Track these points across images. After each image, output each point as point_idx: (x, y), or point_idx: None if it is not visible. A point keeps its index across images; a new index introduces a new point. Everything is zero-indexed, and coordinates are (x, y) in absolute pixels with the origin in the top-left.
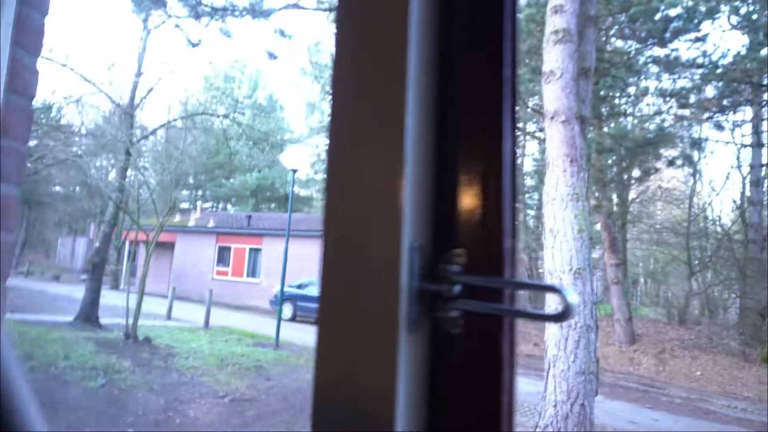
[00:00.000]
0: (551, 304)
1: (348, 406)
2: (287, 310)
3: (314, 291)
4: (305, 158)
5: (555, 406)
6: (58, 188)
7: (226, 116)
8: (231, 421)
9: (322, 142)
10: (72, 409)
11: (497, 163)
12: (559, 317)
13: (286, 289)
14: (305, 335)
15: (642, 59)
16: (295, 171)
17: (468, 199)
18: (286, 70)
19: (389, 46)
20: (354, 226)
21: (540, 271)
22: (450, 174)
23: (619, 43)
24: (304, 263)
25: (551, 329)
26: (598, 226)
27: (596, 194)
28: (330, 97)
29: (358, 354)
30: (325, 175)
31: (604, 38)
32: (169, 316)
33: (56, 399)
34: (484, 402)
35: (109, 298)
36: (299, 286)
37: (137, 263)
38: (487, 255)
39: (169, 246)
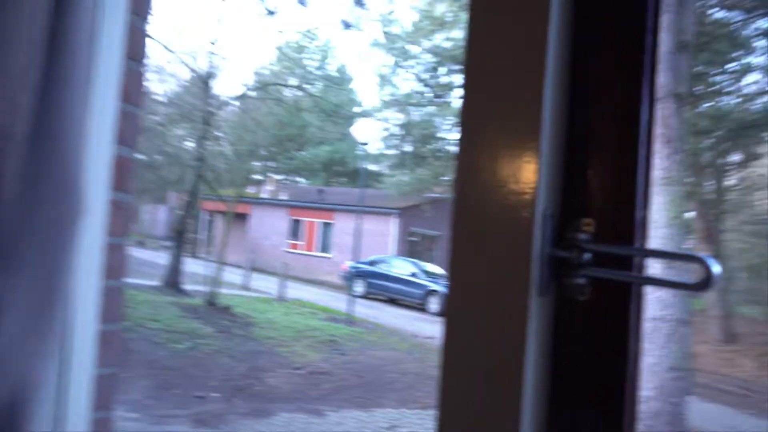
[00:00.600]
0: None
1: (477, 367)
2: (359, 287)
3: (386, 268)
4: (377, 132)
5: (643, 401)
6: (141, 156)
7: (298, 87)
8: (308, 392)
9: (394, 116)
10: (163, 368)
11: (633, 132)
12: (700, 286)
13: (357, 265)
14: (377, 312)
15: (747, 32)
16: (366, 145)
17: (600, 168)
18: (356, 41)
19: (530, 9)
20: (487, 193)
21: None
22: (583, 142)
23: (722, 14)
24: (375, 239)
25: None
26: (691, 214)
27: (691, 179)
28: (463, 62)
29: (489, 316)
30: (458, 141)
31: (704, 9)
32: (245, 286)
33: (149, 358)
34: (608, 369)
35: (188, 265)
36: (371, 263)
37: (214, 233)
38: (618, 225)
39: (243, 217)
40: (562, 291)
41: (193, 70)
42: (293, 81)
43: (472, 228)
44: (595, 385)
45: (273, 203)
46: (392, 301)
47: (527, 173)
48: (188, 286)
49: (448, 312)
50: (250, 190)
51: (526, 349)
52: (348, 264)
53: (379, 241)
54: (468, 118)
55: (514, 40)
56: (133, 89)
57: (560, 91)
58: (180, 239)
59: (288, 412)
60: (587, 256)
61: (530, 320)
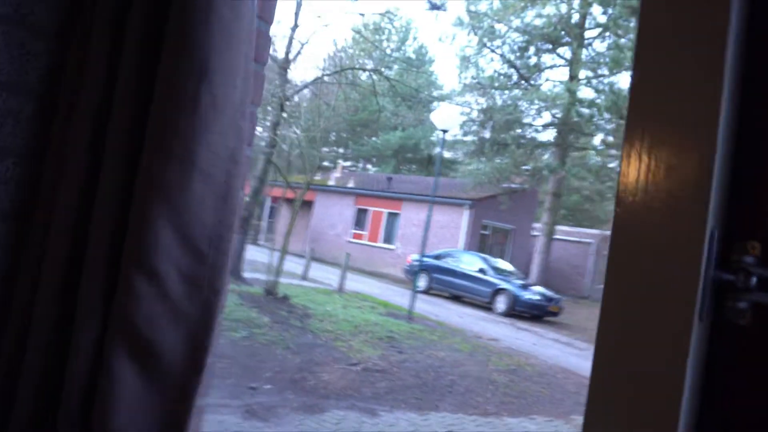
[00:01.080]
0: None
1: (629, 395)
2: (422, 281)
3: (453, 263)
4: (455, 117)
5: None
6: None
7: (375, 71)
8: (362, 390)
9: (476, 100)
10: (218, 357)
11: None
12: None
13: (423, 258)
14: (439, 309)
15: None
16: (445, 131)
17: None
18: (438, 21)
19: (709, 27)
20: (653, 208)
21: None
22: (753, 159)
23: None
24: (443, 232)
25: None
26: None
27: None
28: (632, 65)
29: (645, 339)
30: (623, 150)
31: None
32: (305, 277)
33: None
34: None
35: (250, 252)
36: (437, 257)
37: (276, 220)
38: None
39: (308, 204)
40: (720, 314)
41: (270, 56)
42: (370, 64)
43: (634, 243)
44: (749, 412)
45: (339, 191)
46: (456, 299)
47: (699, 188)
48: (248, 274)
49: (601, 331)
50: (317, 177)
51: (685, 379)
52: (412, 257)
53: (448, 234)
54: (635, 127)
55: (690, 50)
56: (257, 92)
57: (734, 106)
58: (244, 226)
59: (340, 409)
60: (753, 280)
61: (692, 344)
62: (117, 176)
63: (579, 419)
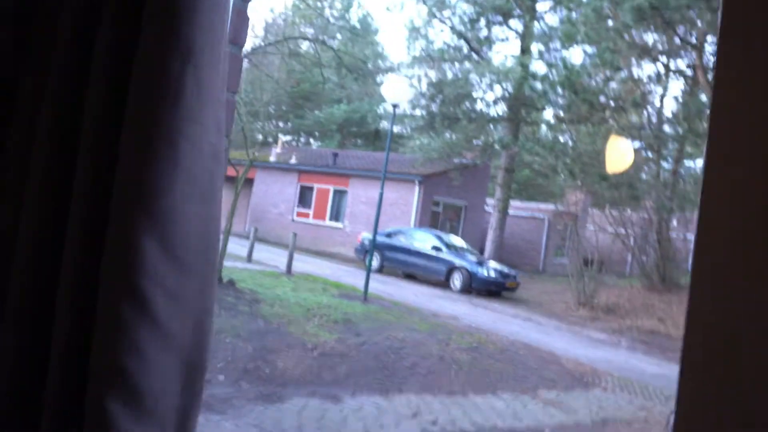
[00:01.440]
0: None
1: (729, 389)
2: (375, 261)
3: (405, 241)
4: (406, 91)
5: None
6: None
7: (317, 41)
8: (322, 376)
9: (426, 72)
10: None
11: None
12: None
13: (373, 237)
14: (394, 288)
15: None
16: (396, 106)
17: None
18: None
19: None
20: (744, 200)
21: (677, 234)
22: None
23: None
24: (394, 209)
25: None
26: None
27: None
28: (717, 49)
29: (740, 354)
30: (707, 140)
31: None
32: (249, 259)
33: None
34: None
35: None
36: (389, 235)
37: None
38: None
39: (248, 182)
40: None
41: None
42: (311, 32)
43: (725, 241)
44: None
45: (281, 168)
46: (411, 277)
47: None
48: None
49: (687, 342)
50: (257, 154)
51: None
52: (363, 235)
53: (399, 211)
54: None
55: None
56: (234, 78)
57: None
58: None
59: (301, 396)
60: None
61: None
62: (89, 176)
63: (545, 394)
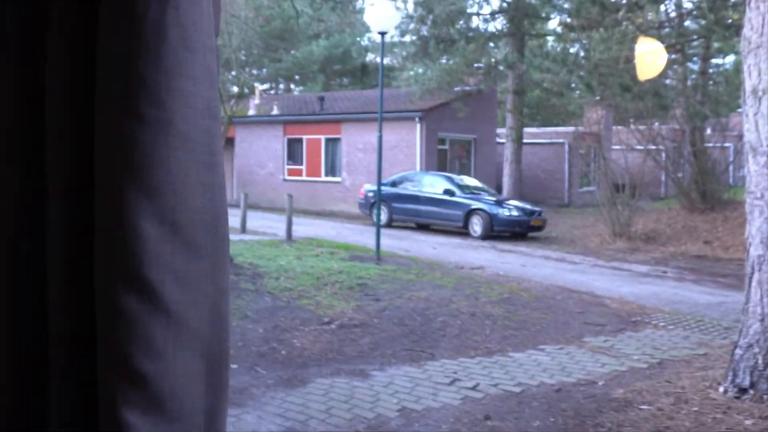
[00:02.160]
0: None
1: None
2: (382, 214)
3: (413, 188)
4: (393, 16)
5: (762, 320)
6: None
7: None
8: (344, 351)
9: None
10: None
11: None
12: None
13: (377, 187)
14: (408, 243)
15: None
16: (384, 34)
17: None
18: None
19: None
20: None
21: (714, 144)
22: None
23: None
24: (395, 153)
25: (755, 222)
26: None
27: None
28: None
29: None
30: None
31: None
32: (243, 229)
33: None
34: None
35: None
36: (394, 183)
37: None
38: None
39: (228, 144)
40: None
41: None
42: None
43: None
44: None
45: (263, 121)
46: (425, 228)
47: None
48: None
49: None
50: (233, 108)
51: None
52: (365, 187)
53: (401, 155)
54: None
55: None
56: (215, 21)
57: None
58: None
59: (324, 377)
60: None
61: None
62: (62, 149)
63: (593, 341)
